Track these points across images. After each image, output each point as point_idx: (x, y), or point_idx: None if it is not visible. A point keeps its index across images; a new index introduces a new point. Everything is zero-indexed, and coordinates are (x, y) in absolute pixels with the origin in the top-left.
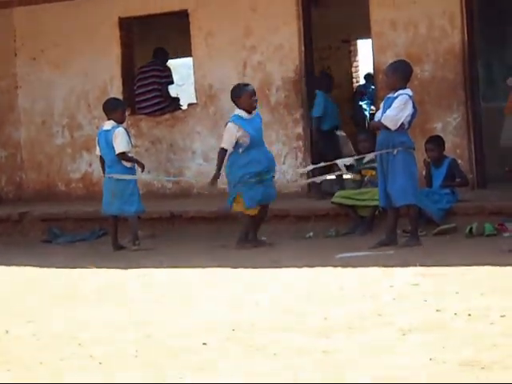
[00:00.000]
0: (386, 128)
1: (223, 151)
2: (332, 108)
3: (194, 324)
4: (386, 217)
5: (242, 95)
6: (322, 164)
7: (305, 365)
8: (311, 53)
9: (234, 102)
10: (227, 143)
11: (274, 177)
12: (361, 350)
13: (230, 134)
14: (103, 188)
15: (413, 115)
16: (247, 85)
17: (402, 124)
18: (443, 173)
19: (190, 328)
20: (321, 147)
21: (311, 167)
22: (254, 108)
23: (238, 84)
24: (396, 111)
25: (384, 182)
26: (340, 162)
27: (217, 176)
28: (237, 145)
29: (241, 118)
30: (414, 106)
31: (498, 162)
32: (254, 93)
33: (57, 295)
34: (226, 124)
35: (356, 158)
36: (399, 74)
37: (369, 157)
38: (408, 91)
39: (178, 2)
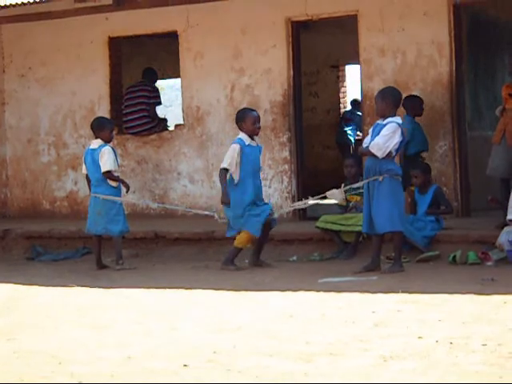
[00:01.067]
0: (374, 155)
1: (224, 171)
2: (419, 132)
3: (175, 345)
4: (371, 242)
5: (246, 119)
6: (315, 201)
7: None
8: (299, 77)
9: (237, 125)
10: (228, 163)
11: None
12: (342, 375)
13: (233, 156)
14: (89, 207)
15: (401, 143)
16: (252, 110)
17: (390, 152)
18: (428, 200)
19: (171, 349)
20: (404, 172)
21: (304, 203)
22: (257, 134)
23: (244, 108)
24: (384, 139)
25: (369, 207)
26: (329, 194)
27: (225, 194)
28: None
29: (244, 143)
30: (402, 134)
31: (483, 191)
32: (257, 119)
33: (38, 313)
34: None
35: (344, 188)
36: (389, 100)
37: (356, 185)
38: (397, 119)
39: (168, 22)
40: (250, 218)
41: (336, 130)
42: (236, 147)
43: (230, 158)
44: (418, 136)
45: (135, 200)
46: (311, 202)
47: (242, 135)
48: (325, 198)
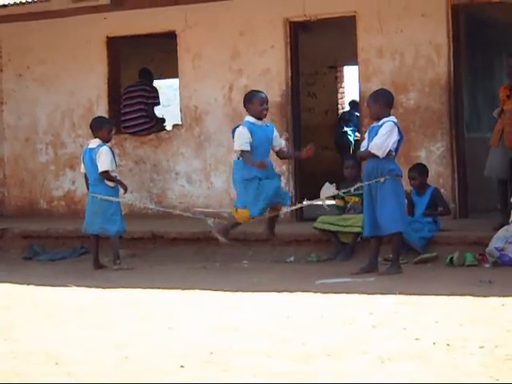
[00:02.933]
0: (374, 156)
1: (246, 153)
2: None
3: (172, 346)
4: (368, 243)
5: (253, 100)
6: (311, 202)
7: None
8: (298, 78)
9: (245, 107)
10: (244, 145)
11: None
12: (339, 377)
13: (244, 137)
14: (86, 206)
15: (399, 142)
16: (259, 92)
17: (390, 151)
18: (426, 202)
19: (168, 350)
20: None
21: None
22: (264, 116)
23: (251, 90)
24: (383, 138)
25: (371, 210)
26: (323, 195)
27: (257, 164)
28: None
29: (251, 123)
30: (399, 133)
31: (481, 193)
32: (265, 100)
33: (36, 313)
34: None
35: (343, 191)
36: (381, 102)
37: (353, 188)
38: (392, 118)
39: (167, 23)
40: (256, 200)
41: (335, 131)
42: (242, 129)
43: (241, 139)
44: None
45: (133, 200)
46: (305, 203)
47: (249, 117)
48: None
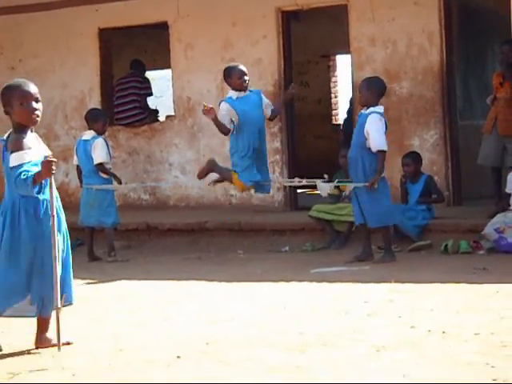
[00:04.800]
0: (384, 152)
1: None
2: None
3: (167, 337)
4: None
5: (232, 75)
6: (304, 183)
7: (278, 380)
8: (290, 67)
9: (225, 82)
10: (222, 119)
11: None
12: (334, 366)
13: (221, 113)
14: (81, 198)
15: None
16: (236, 65)
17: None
18: (419, 189)
19: (164, 341)
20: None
21: (289, 182)
22: (245, 88)
23: (228, 65)
24: (379, 133)
25: (357, 201)
26: (319, 182)
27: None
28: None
29: (230, 98)
30: (385, 124)
31: (474, 180)
32: (243, 73)
33: None
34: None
35: (336, 184)
36: (374, 90)
37: (349, 186)
38: (378, 109)
39: (159, 13)
40: (246, 170)
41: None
42: (223, 105)
43: (220, 116)
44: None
45: (128, 188)
46: (299, 183)
47: (231, 92)
48: (314, 186)
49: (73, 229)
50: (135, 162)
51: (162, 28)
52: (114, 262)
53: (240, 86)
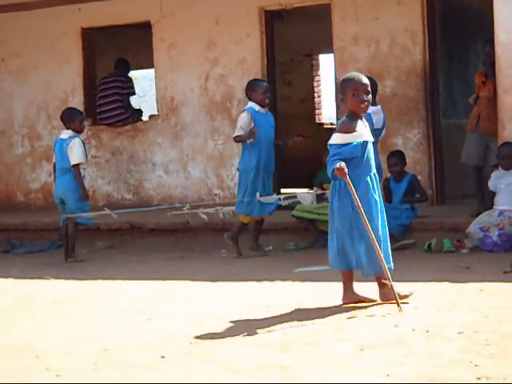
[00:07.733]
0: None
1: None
2: None
3: (152, 337)
4: None
5: (256, 89)
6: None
7: (263, 380)
8: (273, 66)
9: (246, 94)
10: (239, 128)
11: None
12: (319, 365)
13: (244, 122)
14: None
15: (382, 129)
16: (262, 80)
17: None
18: (403, 188)
19: (149, 341)
20: None
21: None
22: (266, 104)
23: (254, 79)
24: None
25: None
26: (299, 194)
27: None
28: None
29: (253, 108)
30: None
31: (458, 179)
32: (267, 89)
33: (14, 306)
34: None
35: (318, 193)
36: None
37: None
38: (374, 108)
39: (142, 13)
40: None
41: (313, 120)
42: (246, 114)
43: (241, 123)
44: None
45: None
46: (278, 199)
47: (252, 104)
48: (294, 197)
49: (56, 229)
50: (118, 161)
51: (145, 27)
52: (73, 263)
53: (262, 102)
